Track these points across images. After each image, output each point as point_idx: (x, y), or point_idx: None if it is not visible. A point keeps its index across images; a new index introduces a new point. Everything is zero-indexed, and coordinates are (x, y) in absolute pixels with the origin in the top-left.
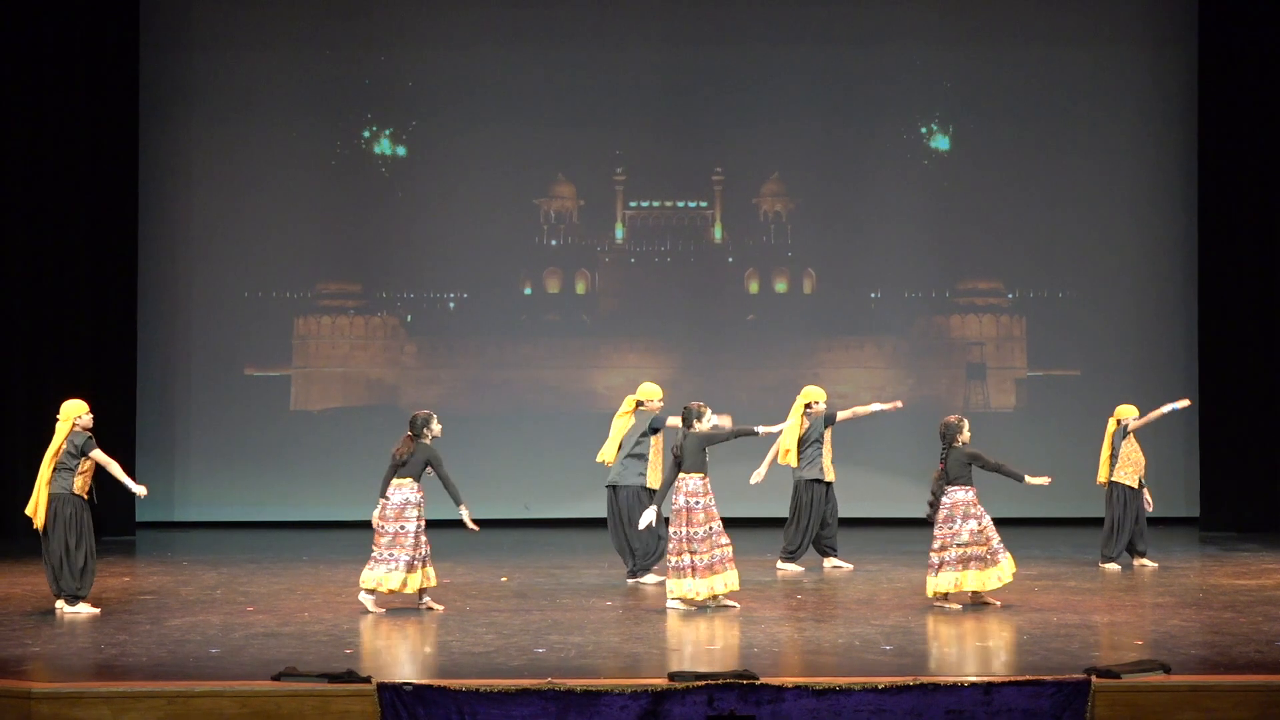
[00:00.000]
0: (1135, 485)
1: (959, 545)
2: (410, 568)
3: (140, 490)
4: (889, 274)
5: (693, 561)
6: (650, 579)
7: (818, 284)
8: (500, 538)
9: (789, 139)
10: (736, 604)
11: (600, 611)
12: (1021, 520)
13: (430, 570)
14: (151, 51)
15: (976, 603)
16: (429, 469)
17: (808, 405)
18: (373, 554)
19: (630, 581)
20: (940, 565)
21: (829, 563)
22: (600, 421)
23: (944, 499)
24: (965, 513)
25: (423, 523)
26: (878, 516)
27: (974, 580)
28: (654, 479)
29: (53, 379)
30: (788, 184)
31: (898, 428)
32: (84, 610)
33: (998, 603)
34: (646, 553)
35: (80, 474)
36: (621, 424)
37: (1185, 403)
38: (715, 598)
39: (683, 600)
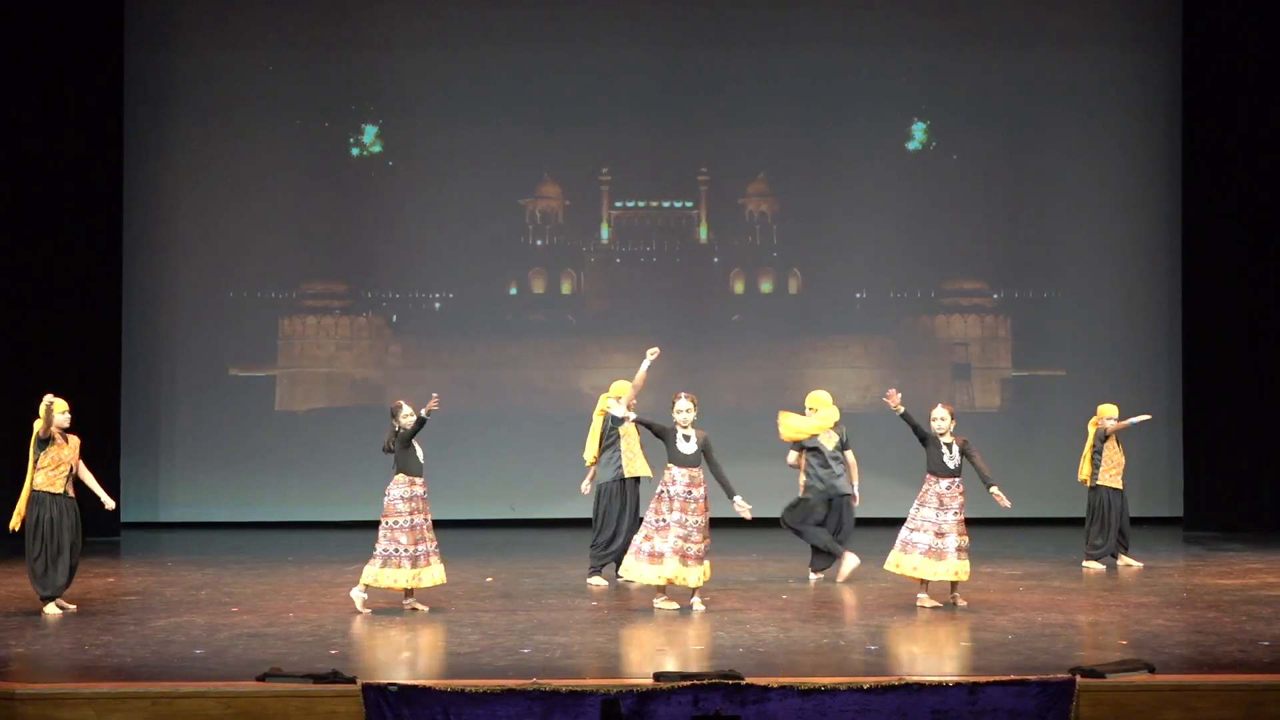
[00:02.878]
0: (1119, 486)
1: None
2: (399, 563)
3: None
4: (874, 274)
5: (651, 548)
6: (596, 580)
7: (803, 284)
8: (486, 538)
9: (774, 139)
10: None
11: (586, 612)
12: (1006, 520)
13: (436, 570)
14: (136, 51)
15: (948, 603)
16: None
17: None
18: (375, 550)
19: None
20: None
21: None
22: (586, 421)
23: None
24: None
25: (420, 518)
26: (868, 517)
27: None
28: (630, 467)
29: (37, 379)
30: (773, 184)
31: (884, 427)
32: (52, 611)
33: (964, 602)
34: (601, 554)
35: (40, 470)
36: (598, 422)
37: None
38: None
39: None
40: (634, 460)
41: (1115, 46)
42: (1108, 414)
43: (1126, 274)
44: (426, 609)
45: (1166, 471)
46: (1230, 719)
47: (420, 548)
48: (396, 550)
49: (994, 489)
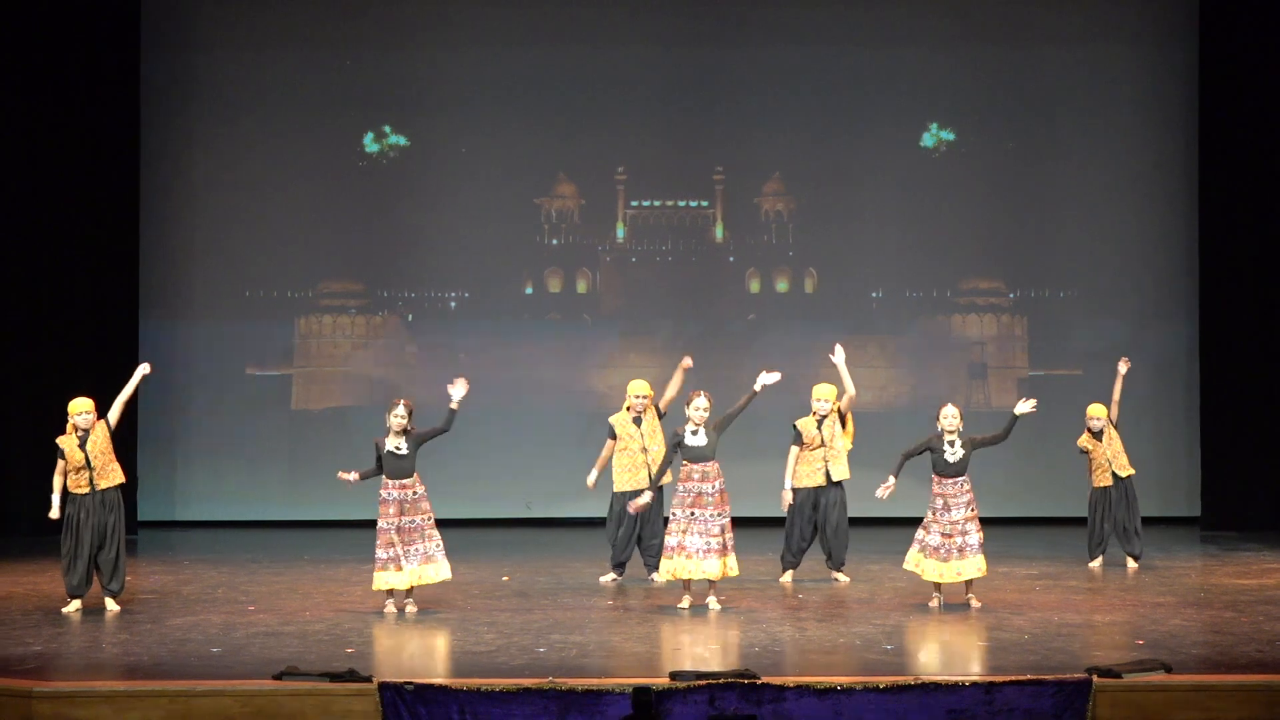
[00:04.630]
0: (1095, 484)
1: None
2: (383, 567)
3: (144, 368)
4: (890, 273)
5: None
6: (608, 577)
7: (819, 283)
8: (501, 537)
9: (790, 139)
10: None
11: (602, 611)
12: (1021, 520)
13: (413, 570)
14: (153, 50)
15: (963, 603)
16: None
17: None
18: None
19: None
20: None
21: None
22: (601, 420)
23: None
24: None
25: (406, 519)
26: (879, 516)
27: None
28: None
29: (53, 379)
30: (789, 184)
31: (896, 427)
32: (71, 609)
33: (979, 603)
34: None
35: (59, 474)
36: (650, 420)
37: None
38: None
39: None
40: (619, 475)
41: (1132, 45)
42: (1096, 414)
43: (1143, 273)
44: (415, 609)
45: (1184, 471)
46: (1248, 719)
47: (415, 548)
48: (386, 555)
49: (1016, 408)
